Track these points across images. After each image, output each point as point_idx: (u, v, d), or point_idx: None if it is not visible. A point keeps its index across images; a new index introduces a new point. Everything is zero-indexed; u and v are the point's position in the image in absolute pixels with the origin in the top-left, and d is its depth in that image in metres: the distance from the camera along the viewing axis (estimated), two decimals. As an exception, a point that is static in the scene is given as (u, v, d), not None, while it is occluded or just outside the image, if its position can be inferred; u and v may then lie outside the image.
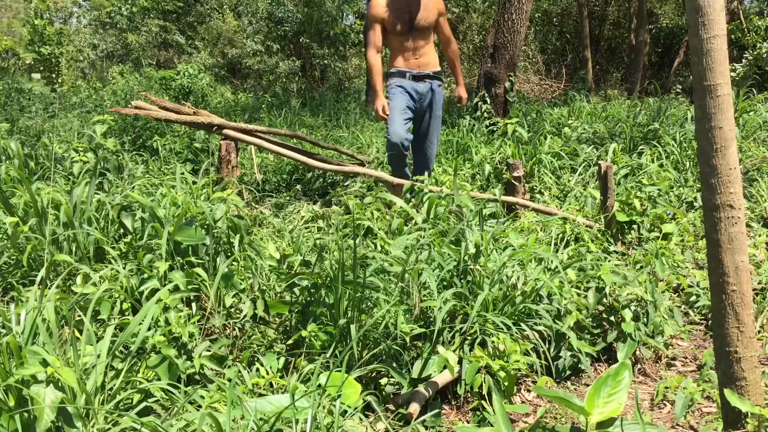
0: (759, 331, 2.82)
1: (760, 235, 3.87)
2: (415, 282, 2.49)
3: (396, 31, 4.47)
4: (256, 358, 2.40)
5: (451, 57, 4.81)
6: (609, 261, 3.16)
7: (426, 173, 4.57)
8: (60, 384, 1.77)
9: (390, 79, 4.57)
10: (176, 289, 2.41)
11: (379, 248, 3.06)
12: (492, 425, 2.03)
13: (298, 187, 5.27)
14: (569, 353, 2.56)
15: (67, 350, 2.03)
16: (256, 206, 4.66)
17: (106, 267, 2.68)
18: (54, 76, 15.96)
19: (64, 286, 2.70)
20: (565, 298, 2.66)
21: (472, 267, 2.65)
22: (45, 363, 1.78)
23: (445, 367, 2.28)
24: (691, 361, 2.76)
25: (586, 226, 3.66)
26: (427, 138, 4.67)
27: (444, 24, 4.67)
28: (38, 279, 2.54)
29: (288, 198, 4.95)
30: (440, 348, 2.30)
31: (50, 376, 1.77)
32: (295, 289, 2.70)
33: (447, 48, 4.79)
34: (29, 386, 1.74)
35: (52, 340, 1.99)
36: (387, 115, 4.39)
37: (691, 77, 6.20)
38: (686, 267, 3.41)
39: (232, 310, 2.63)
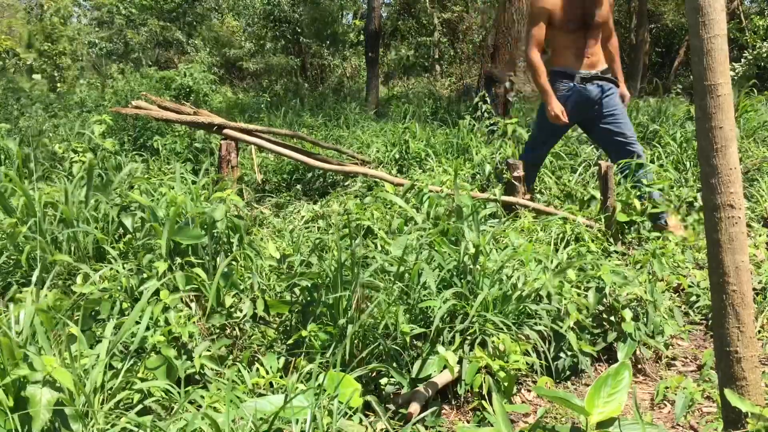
0: (759, 331, 2.82)
1: (760, 235, 3.87)
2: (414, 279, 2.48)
3: (565, 28, 4.05)
4: (256, 358, 2.39)
5: (612, 52, 4.29)
6: (609, 261, 3.16)
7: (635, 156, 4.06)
8: (58, 384, 1.77)
9: (555, 83, 4.11)
10: (176, 289, 2.40)
11: (379, 248, 3.06)
12: (492, 425, 2.03)
13: (299, 187, 5.27)
14: (569, 353, 2.56)
15: (63, 350, 2.02)
16: (256, 206, 4.66)
17: (106, 267, 2.67)
18: (57, 75, 15.97)
19: (63, 286, 2.69)
20: (565, 298, 2.65)
21: (471, 267, 2.64)
22: (40, 363, 1.77)
23: (445, 367, 2.28)
24: (691, 361, 2.75)
25: (586, 226, 3.66)
26: (614, 134, 4.14)
27: (611, 17, 4.22)
28: (33, 279, 2.53)
29: (288, 198, 4.95)
30: (440, 348, 2.30)
31: (48, 376, 1.76)
32: (295, 289, 2.70)
33: (608, 42, 4.27)
34: (26, 387, 1.73)
35: (48, 340, 1.98)
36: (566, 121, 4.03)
37: (691, 77, 6.20)
38: (686, 267, 3.40)
39: (232, 310, 2.62)
